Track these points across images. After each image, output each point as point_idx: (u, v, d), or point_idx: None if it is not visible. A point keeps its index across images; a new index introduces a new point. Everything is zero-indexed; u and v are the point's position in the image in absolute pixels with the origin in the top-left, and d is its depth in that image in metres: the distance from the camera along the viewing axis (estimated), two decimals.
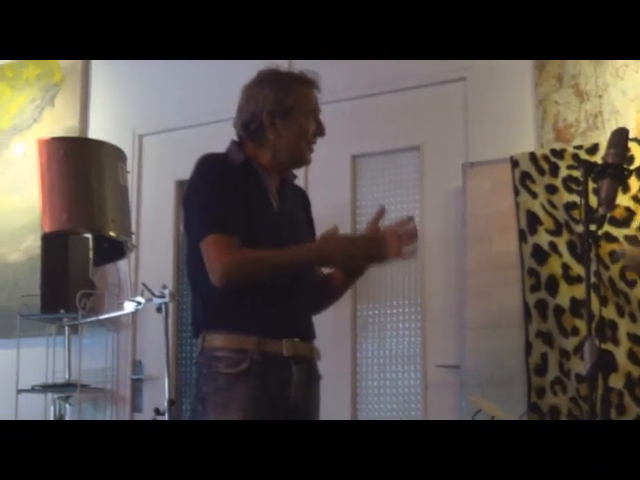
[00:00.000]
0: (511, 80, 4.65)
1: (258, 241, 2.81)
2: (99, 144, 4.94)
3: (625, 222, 4.07)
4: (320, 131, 3.00)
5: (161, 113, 5.65)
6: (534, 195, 4.29)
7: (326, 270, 3.09)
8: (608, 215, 3.13)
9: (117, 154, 4.91)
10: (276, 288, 2.83)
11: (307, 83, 2.99)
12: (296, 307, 2.92)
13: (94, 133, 5.72)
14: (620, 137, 3.11)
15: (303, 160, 3.02)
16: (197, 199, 2.87)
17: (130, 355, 5.47)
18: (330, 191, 4.91)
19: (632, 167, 3.84)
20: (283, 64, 3.04)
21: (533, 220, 4.26)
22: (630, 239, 4.05)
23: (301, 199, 3.15)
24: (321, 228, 3.10)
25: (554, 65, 4.49)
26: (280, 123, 2.92)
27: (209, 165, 2.90)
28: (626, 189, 4.00)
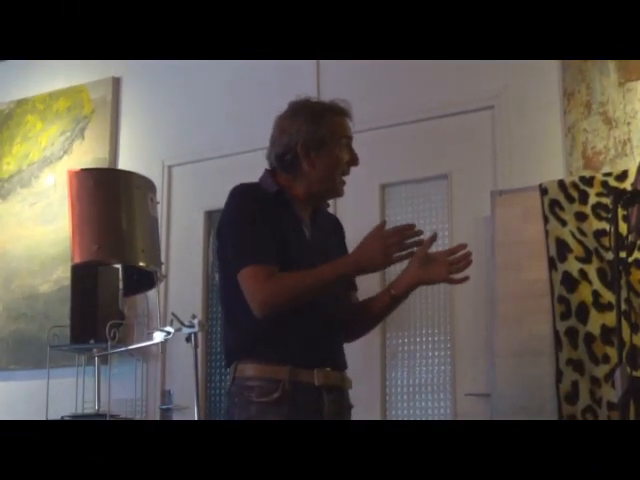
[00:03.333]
0: (539, 108, 4.65)
1: (291, 270, 2.82)
2: (129, 175, 4.95)
3: None
4: (353, 161, 3.00)
5: (190, 144, 5.68)
6: (563, 223, 4.27)
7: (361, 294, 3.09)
8: (638, 242, 3.12)
9: (147, 185, 4.93)
10: (309, 318, 2.84)
11: (339, 113, 3.00)
12: (328, 337, 2.92)
13: (123, 164, 5.76)
14: None
15: (336, 191, 3.02)
16: (232, 230, 2.88)
17: (159, 385, 5.48)
18: (359, 220, 4.88)
19: None
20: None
21: (563, 248, 4.24)
22: None
23: (334, 227, 3.17)
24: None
25: (582, 93, 4.49)
26: (314, 154, 2.93)
27: (243, 195, 2.91)
28: None
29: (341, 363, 2.97)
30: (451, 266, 2.92)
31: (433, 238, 2.90)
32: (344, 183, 3.01)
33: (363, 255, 2.75)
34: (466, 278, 2.92)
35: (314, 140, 2.92)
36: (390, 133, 5.06)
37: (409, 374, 4.84)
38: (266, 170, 3.02)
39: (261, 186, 2.96)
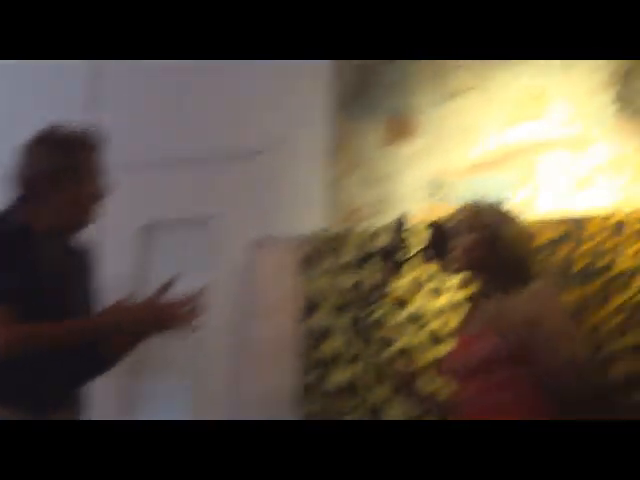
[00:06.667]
0: (305, 159, 4.68)
1: (38, 307, 2.71)
2: None
3: (401, 305, 4.12)
4: (98, 194, 2.91)
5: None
6: (317, 276, 4.31)
7: None
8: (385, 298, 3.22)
9: None
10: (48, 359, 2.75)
11: (82, 145, 2.91)
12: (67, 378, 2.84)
13: None
14: (399, 224, 3.24)
15: (80, 224, 2.93)
16: None
17: None
18: (118, 261, 4.80)
19: (410, 254, 3.93)
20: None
21: (314, 301, 4.27)
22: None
23: (83, 260, 3.04)
24: (110, 299, 3.02)
25: (349, 148, 4.58)
26: (52, 189, 2.84)
27: None
28: (401, 274, 4.04)
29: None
30: (187, 314, 2.85)
31: (168, 285, 2.86)
32: (89, 214, 2.92)
33: (128, 318, 2.73)
34: (199, 326, 2.87)
35: (52, 175, 2.83)
36: (155, 173, 4.97)
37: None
38: (17, 198, 2.89)
39: (5, 219, 2.84)
